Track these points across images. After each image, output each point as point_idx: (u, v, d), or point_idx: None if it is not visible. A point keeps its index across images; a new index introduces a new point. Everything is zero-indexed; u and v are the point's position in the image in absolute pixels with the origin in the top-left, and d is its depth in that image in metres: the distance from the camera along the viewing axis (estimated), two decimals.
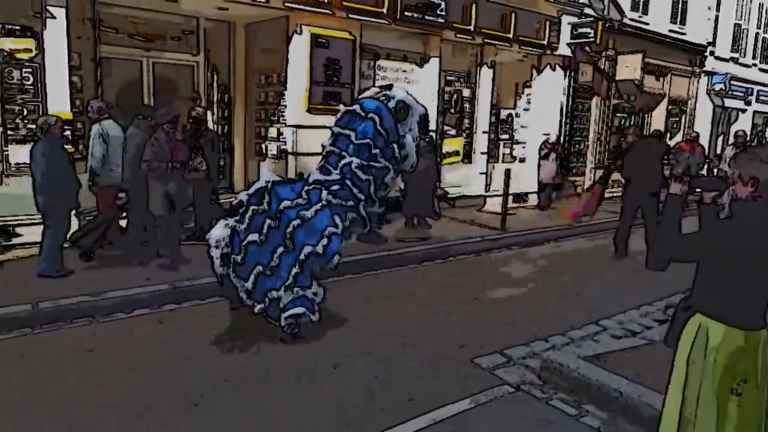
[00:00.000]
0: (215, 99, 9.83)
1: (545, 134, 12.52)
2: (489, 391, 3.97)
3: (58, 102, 7.03)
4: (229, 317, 5.08)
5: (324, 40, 8.96)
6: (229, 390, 3.87)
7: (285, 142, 9.30)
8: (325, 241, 4.49)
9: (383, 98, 4.88)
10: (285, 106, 9.34)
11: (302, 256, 4.44)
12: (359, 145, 4.69)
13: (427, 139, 5.31)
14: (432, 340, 4.85)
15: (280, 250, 4.44)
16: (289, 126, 9.13)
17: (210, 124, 9.40)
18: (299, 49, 8.86)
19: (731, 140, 15.35)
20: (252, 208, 4.54)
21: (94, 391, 3.78)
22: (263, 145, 9.98)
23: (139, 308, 5.32)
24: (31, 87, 6.92)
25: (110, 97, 8.29)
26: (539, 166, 11.84)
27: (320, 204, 4.54)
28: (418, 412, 3.64)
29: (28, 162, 5.95)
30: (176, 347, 4.54)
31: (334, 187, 4.64)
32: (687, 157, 13.17)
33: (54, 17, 6.90)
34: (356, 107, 4.86)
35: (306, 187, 4.63)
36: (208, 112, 9.50)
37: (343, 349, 4.57)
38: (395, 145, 4.84)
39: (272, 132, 9.84)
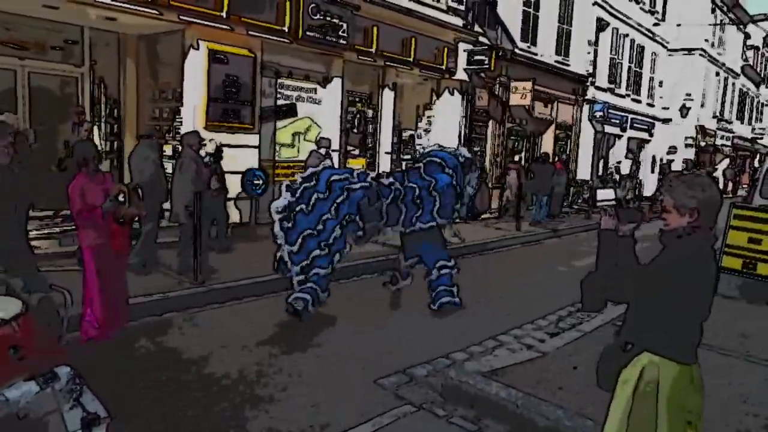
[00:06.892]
0: (102, 114, 9.18)
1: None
2: (391, 412, 3.92)
3: None
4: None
5: (222, 56, 8.70)
6: None
7: None
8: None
9: (453, 153, 6.37)
10: (181, 122, 8.94)
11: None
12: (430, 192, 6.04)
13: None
14: (334, 363, 4.74)
15: (326, 216, 5.38)
16: None
17: (96, 140, 8.77)
18: (196, 64, 8.54)
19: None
20: (304, 185, 5.47)
21: None
22: None
23: None
24: None
25: None
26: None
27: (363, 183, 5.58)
28: None
29: None
30: None
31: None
32: (561, 176, 14.30)
33: None
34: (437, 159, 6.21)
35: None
36: (95, 128, 8.88)
37: (231, 377, 4.35)
38: (457, 190, 6.27)
39: (167, 149, 9.37)
